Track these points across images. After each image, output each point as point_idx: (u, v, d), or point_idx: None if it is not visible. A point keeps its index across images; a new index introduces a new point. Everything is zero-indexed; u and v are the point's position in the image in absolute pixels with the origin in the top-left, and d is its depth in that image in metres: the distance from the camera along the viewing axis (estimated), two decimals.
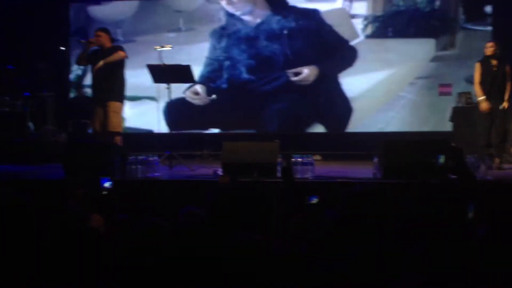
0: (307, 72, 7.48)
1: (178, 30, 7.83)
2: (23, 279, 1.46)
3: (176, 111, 7.23)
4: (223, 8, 7.68)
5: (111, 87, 5.65)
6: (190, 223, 1.91)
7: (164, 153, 5.80)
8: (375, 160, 4.82)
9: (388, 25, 7.48)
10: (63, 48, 6.95)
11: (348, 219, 1.67)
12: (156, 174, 5.06)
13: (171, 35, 7.74)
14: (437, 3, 7.39)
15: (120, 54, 5.62)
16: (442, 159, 3.86)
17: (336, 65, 7.47)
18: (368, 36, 7.50)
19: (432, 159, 4.29)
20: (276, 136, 6.49)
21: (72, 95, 8.14)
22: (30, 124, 7.37)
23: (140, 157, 5.01)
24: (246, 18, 7.64)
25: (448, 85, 7.23)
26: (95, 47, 5.75)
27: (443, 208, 1.89)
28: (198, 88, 7.60)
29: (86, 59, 5.75)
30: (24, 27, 7.85)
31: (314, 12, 7.51)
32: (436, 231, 1.93)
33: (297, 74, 7.50)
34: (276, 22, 7.56)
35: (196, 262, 1.33)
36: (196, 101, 7.67)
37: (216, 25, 7.71)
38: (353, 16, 7.50)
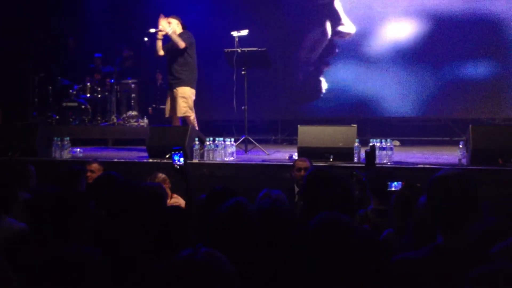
0: None
1: None
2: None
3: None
4: None
5: (180, 72, 5.62)
6: (270, 205, 1.93)
7: (240, 137, 5.87)
8: (461, 145, 4.57)
9: None
10: (146, 39, 7.15)
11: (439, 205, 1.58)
12: (232, 157, 5.15)
13: None
14: None
15: (180, 43, 5.49)
16: None
17: None
18: None
19: None
20: (352, 121, 6.33)
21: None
22: (115, 109, 7.79)
23: (217, 141, 5.12)
24: None
25: None
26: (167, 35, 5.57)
27: None
28: None
29: (163, 49, 5.65)
30: (112, 19, 8.23)
31: None
32: None
33: None
34: None
35: (282, 239, 1.35)
36: None
37: None
38: None
